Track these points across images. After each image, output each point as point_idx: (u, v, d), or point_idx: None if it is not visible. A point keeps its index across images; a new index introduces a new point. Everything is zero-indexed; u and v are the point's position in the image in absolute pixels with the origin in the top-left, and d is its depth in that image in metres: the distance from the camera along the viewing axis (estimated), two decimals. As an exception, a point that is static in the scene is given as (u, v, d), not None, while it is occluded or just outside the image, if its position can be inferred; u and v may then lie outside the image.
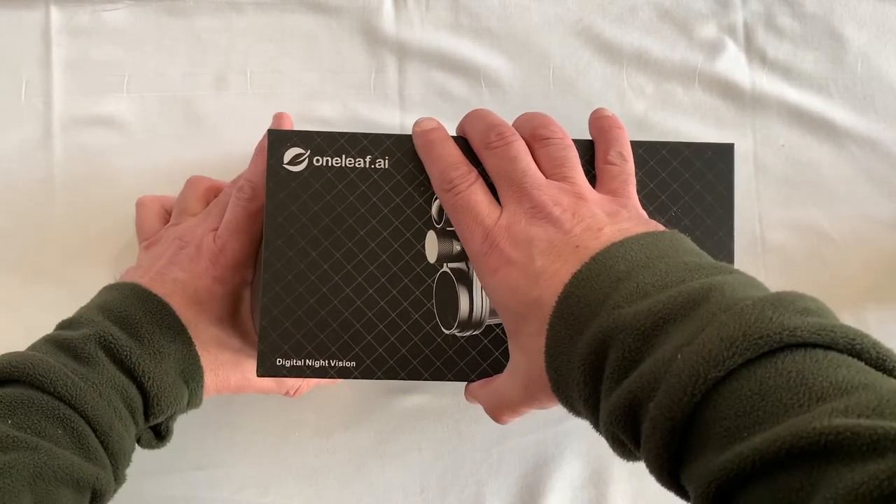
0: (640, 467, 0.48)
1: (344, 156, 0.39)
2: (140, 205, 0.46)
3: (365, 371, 0.38)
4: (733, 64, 0.50)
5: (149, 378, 0.37)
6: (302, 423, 0.47)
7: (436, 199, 0.39)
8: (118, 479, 0.37)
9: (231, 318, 0.42)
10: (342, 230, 0.39)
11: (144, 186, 0.48)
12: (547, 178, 0.36)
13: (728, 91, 0.50)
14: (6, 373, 0.34)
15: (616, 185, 0.37)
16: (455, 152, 0.38)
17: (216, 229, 0.41)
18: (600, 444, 0.48)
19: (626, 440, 0.28)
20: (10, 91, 0.48)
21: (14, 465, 0.31)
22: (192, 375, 0.39)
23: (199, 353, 0.39)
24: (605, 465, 0.48)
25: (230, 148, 0.48)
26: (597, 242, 0.32)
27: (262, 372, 0.38)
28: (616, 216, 0.34)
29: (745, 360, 0.24)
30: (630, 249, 0.31)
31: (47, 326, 0.39)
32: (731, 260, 0.40)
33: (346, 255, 0.39)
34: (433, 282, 0.39)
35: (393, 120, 0.49)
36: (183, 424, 0.43)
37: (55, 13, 0.49)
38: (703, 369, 0.24)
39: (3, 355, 0.36)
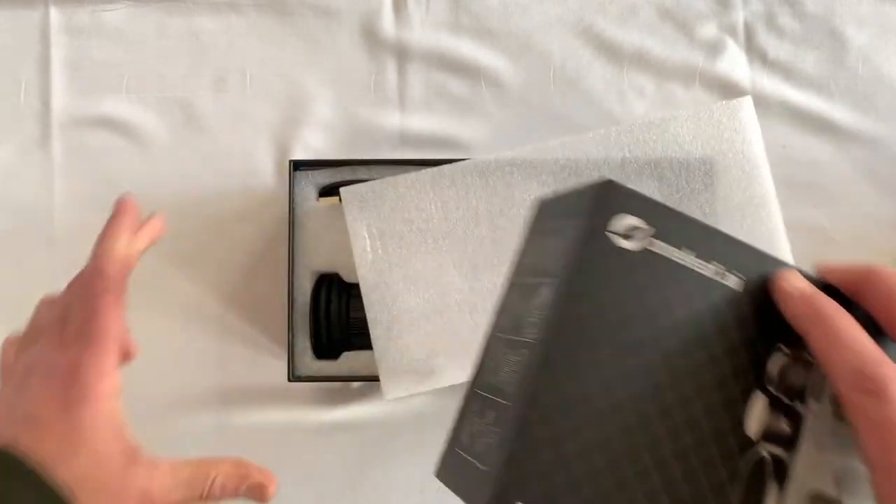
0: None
1: (689, 251, 0.27)
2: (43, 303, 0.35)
3: None
4: (734, 64, 0.50)
5: None
6: (302, 424, 0.47)
7: (776, 351, 0.27)
8: None
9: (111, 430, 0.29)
10: (652, 350, 0.26)
11: (143, 186, 0.48)
12: None
13: (729, 91, 0.50)
14: None
15: None
16: (871, 343, 0.26)
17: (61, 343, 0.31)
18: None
19: None
20: (9, 91, 0.48)
21: None
22: None
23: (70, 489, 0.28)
24: (605, 465, 0.48)
25: (229, 149, 0.48)
26: None
27: None
28: None
29: None
30: None
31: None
32: None
33: (647, 389, 0.26)
34: (744, 463, 0.26)
35: (393, 121, 0.49)
36: (182, 426, 0.43)
37: (54, 13, 0.49)
38: None
39: None
